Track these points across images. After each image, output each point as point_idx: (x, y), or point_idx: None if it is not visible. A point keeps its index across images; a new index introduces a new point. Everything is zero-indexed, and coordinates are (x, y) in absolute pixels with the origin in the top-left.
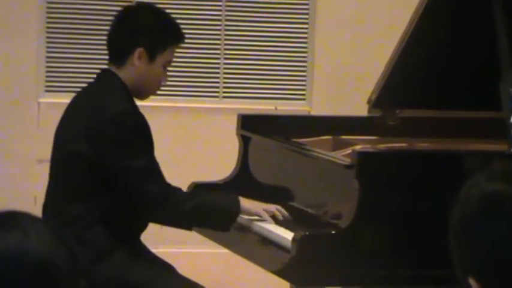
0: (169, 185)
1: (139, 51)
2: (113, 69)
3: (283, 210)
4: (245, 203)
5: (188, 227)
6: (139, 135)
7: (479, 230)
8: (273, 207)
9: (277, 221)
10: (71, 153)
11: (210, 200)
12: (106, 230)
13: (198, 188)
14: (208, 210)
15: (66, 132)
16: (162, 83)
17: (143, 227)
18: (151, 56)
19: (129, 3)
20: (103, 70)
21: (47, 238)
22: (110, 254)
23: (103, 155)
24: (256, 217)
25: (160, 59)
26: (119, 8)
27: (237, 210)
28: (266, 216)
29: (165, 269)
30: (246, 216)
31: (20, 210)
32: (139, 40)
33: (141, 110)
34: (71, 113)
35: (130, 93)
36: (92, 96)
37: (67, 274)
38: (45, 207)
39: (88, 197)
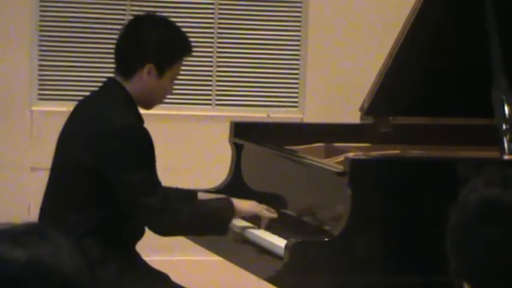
0: (166, 196)
1: (149, 67)
2: (119, 79)
3: (272, 210)
4: (238, 203)
5: (186, 235)
6: (141, 149)
7: (476, 235)
8: (265, 206)
9: (270, 226)
10: (71, 162)
11: (204, 206)
12: (101, 240)
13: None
14: (204, 215)
15: (69, 141)
16: (168, 94)
17: (139, 237)
18: (161, 72)
19: (139, 15)
20: (109, 79)
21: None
22: (103, 264)
23: (103, 167)
24: (250, 223)
25: (169, 74)
26: (111, 17)
27: (231, 211)
28: (264, 212)
29: (159, 277)
30: (239, 224)
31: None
32: (150, 57)
33: None
34: (74, 121)
35: (135, 104)
36: (97, 105)
37: None
38: (42, 213)
39: (85, 206)
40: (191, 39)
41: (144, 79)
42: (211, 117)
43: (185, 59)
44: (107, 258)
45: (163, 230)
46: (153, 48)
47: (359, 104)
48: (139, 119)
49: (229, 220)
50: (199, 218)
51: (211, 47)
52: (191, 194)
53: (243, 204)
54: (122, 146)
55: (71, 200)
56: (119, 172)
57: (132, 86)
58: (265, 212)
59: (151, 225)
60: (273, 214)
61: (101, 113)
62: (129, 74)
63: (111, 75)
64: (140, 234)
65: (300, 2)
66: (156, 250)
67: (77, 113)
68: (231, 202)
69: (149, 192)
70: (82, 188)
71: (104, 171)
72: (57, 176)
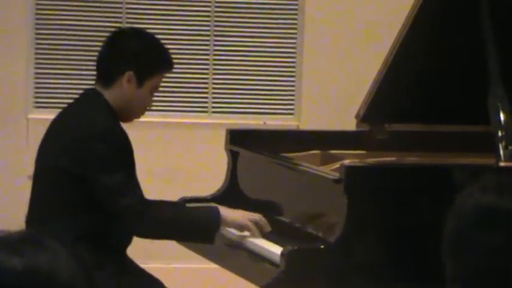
0: (145, 199)
1: (129, 74)
2: (99, 89)
3: (264, 220)
4: (228, 212)
5: (168, 238)
6: (120, 152)
7: (472, 241)
8: (257, 216)
9: (263, 234)
10: (53, 169)
11: (187, 211)
12: (90, 246)
13: (186, 203)
14: (186, 220)
15: (49, 148)
16: (148, 108)
17: (128, 241)
18: (140, 81)
19: (121, 27)
20: (88, 89)
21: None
22: (95, 270)
23: (84, 169)
24: (243, 230)
25: (148, 84)
26: (107, 25)
27: (217, 220)
28: (252, 226)
29: (152, 283)
30: (234, 232)
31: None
32: (130, 64)
33: (131, 125)
34: (54, 129)
35: (115, 113)
36: (76, 113)
37: None
38: (28, 222)
39: (71, 212)
40: (188, 47)
41: (123, 87)
42: (208, 124)
43: (165, 74)
44: (98, 263)
45: (141, 231)
46: (134, 56)
47: (355, 111)
48: (119, 125)
49: (215, 229)
50: (181, 223)
51: (207, 54)
52: (178, 203)
53: (230, 214)
54: (101, 148)
55: (56, 207)
56: (98, 173)
57: (111, 95)
58: (256, 222)
59: (129, 225)
60: (263, 225)
61: (80, 119)
62: (109, 82)
63: None
64: (129, 238)
65: (296, 10)
66: (152, 257)
67: (57, 122)
68: (217, 211)
69: (126, 193)
70: (66, 194)
71: (85, 173)
72: (41, 183)
